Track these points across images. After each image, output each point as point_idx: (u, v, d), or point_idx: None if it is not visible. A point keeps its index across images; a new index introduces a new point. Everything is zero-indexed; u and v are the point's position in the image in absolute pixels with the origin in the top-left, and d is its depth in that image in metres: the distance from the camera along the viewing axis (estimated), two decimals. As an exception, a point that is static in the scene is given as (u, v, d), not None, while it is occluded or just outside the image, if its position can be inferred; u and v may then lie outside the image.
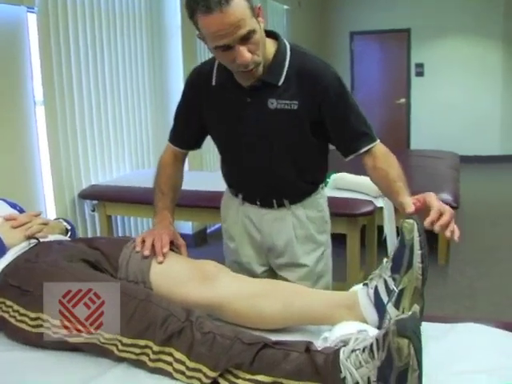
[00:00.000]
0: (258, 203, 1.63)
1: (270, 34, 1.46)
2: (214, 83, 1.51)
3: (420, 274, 1.16)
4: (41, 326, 1.22)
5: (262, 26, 1.35)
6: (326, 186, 2.79)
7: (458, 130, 7.81)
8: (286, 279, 1.63)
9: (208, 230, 4.49)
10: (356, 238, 2.66)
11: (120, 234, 3.42)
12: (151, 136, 3.77)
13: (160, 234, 1.47)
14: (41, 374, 1.15)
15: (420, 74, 7.94)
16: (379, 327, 1.19)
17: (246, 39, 1.28)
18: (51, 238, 1.51)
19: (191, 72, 1.61)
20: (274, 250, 1.66)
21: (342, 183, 2.85)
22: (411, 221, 1.18)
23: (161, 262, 1.38)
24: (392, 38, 7.98)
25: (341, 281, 2.65)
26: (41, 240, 1.46)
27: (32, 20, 2.78)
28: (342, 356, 0.98)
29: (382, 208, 2.75)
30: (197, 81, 1.57)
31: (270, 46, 1.43)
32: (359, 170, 2.84)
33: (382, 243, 3.17)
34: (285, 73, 1.44)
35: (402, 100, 8.02)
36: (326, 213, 1.71)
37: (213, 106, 1.54)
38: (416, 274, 1.16)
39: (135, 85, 3.58)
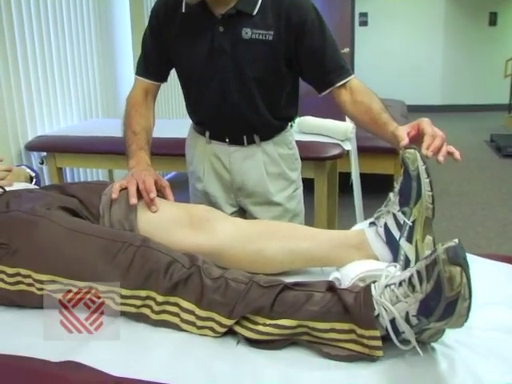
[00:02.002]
0: (227, 140, 1.57)
1: None
2: (183, 10, 1.42)
3: (430, 202, 1.12)
4: (21, 282, 1.07)
5: None
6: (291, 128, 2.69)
7: (401, 80, 7.90)
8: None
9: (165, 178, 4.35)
10: (324, 183, 2.61)
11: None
12: (99, 84, 3.53)
13: (141, 176, 1.31)
14: (31, 335, 1.01)
15: (364, 23, 7.90)
16: None
17: None
18: (17, 186, 1.34)
19: (156, 2, 1.51)
20: (244, 189, 1.61)
21: (307, 127, 2.76)
22: (412, 150, 1.13)
23: (155, 211, 1.24)
24: (336, -14, 7.84)
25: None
26: (6, 189, 1.29)
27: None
28: (374, 292, 0.91)
29: (349, 152, 2.69)
30: (163, 11, 1.47)
31: None
32: (324, 113, 2.79)
33: (343, 189, 3.16)
34: (260, 2, 1.38)
35: (346, 49, 7.93)
36: (296, 151, 1.69)
37: (182, 36, 1.45)
38: (426, 204, 1.12)
39: (81, 31, 3.32)
